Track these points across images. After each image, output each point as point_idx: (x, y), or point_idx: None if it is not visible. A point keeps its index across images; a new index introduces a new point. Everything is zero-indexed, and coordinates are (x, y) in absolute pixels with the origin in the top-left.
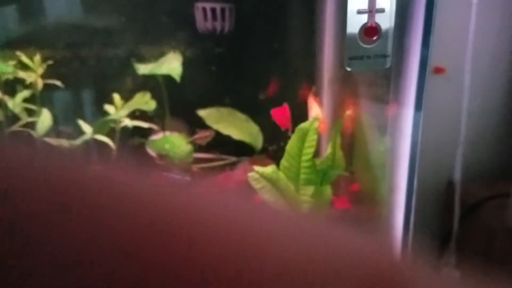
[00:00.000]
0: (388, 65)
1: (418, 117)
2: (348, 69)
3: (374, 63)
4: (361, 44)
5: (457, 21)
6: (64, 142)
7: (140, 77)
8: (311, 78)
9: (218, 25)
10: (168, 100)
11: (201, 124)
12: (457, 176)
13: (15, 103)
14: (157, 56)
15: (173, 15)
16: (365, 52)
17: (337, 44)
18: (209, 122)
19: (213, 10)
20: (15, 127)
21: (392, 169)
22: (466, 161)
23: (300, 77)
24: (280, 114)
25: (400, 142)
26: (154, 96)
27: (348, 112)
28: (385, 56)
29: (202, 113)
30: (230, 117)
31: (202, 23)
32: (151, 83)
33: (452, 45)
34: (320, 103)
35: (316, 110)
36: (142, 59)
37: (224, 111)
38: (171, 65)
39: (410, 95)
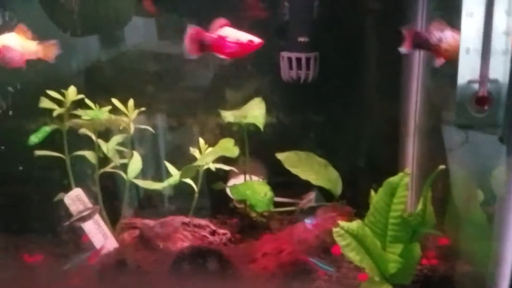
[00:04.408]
0: (499, 134)
1: None
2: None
3: (484, 133)
4: (471, 113)
5: None
6: (152, 184)
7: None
8: (397, 127)
9: (302, 74)
10: (249, 142)
11: (279, 167)
12: None
13: (109, 147)
14: (242, 102)
15: (258, 63)
16: (475, 122)
17: (431, 95)
18: (287, 165)
19: (299, 60)
20: (107, 168)
21: (499, 236)
22: None
23: (386, 126)
24: None
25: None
26: (235, 139)
27: (442, 167)
28: (496, 126)
29: (280, 156)
30: (309, 161)
31: (287, 72)
32: (233, 127)
33: None
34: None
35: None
36: (228, 105)
37: (302, 155)
38: (255, 113)
39: None
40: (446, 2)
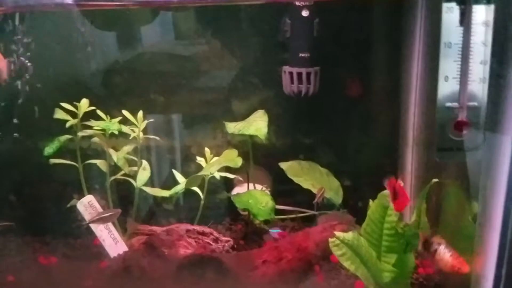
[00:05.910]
0: (478, 157)
1: None
2: (437, 160)
3: (464, 155)
4: (451, 136)
5: None
6: (159, 191)
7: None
8: (395, 141)
9: (303, 88)
10: (252, 152)
11: (282, 177)
12: None
13: (119, 157)
14: (245, 114)
15: (261, 77)
16: (455, 145)
17: (425, 111)
18: (290, 174)
19: (299, 74)
20: (118, 176)
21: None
22: None
23: (383, 138)
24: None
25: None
26: (239, 149)
27: (435, 180)
28: (475, 148)
29: (283, 165)
30: (311, 170)
31: (288, 86)
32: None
33: None
34: None
35: None
36: (231, 116)
37: (305, 164)
38: (258, 125)
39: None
40: None
